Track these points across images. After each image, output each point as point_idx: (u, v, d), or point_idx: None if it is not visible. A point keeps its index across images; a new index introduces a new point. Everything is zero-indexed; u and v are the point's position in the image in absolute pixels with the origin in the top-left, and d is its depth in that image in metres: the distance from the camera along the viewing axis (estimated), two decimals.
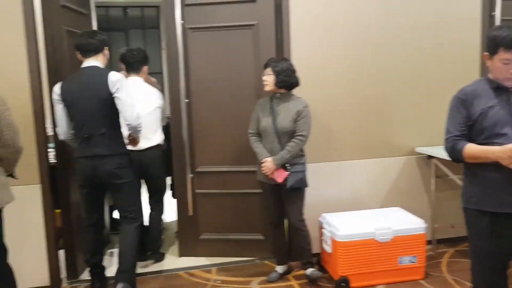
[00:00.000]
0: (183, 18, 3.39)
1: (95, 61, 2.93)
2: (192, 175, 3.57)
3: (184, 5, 3.40)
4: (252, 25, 3.39)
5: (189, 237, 3.69)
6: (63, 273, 3.32)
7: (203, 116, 3.53)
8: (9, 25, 2.95)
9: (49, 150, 3.18)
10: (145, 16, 8.52)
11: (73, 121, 2.94)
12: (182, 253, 3.73)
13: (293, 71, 3.01)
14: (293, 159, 2.99)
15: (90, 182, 2.96)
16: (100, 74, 2.88)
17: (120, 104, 2.88)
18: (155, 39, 8.48)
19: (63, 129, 2.98)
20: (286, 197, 3.07)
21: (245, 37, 3.41)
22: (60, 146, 3.24)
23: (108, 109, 2.88)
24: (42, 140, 3.08)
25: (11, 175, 2.54)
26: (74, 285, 3.29)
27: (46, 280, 3.17)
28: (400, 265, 3.14)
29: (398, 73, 3.56)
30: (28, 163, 2.96)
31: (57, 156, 3.26)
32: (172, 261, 3.67)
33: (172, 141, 3.58)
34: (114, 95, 2.86)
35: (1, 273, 2.50)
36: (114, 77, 2.85)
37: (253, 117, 3.13)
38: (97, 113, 2.88)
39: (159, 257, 3.72)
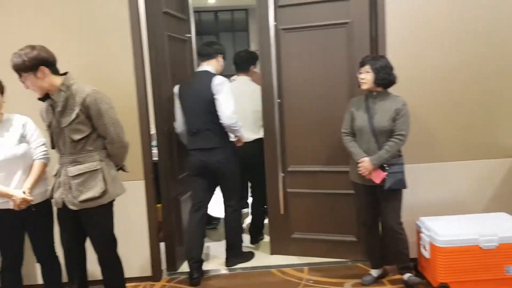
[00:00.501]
0: (276, 19, 3.44)
1: (208, 66, 3.43)
2: (283, 174, 3.60)
3: (277, 7, 3.44)
4: (346, 23, 3.34)
5: (281, 236, 3.72)
6: (163, 265, 3.51)
7: (295, 116, 3.54)
8: (117, 31, 3.18)
9: (152, 148, 3.39)
10: (234, 19, 8.76)
11: (185, 117, 3.42)
12: (273, 251, 3.77)
13: (391, 68, 2.92)
14: (391, 159, 2.90)
15: (200, 171, 3.41)
16: (207, 78, 3.33)
17: (217, 105, 3.26)
18: (243, 41, 8.69)
19: (179, 124, 3.49)
20: (383, 199, 2.99)
21: (338, 35, 3.37)
22: (163, 145, 3.44)
23: (212, 108, 3.27)
24: (146, 139, 3.29)
25: (121, 168, 2.75)
26: (173, 276, 3.47)
27: (148, 271, 3.38)
28: (507, 274, 2.92)
29: (507, 70, 3.30)
30: (133, 160, 3.17)
31: (160, 154, 3.46)
32: (264, 258, 3.73)
33: (264, 141, 3.64)
34: (214, 96, 3.25)
35: (111, 262, 2.71)
36: (217, 80, 3.29)
37: (346, 116, 3.08)
38: (202, 111, 3.33)
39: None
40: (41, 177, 2.72)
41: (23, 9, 3.15)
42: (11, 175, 2.65)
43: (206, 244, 4.03)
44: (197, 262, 3.37)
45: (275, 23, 3.44)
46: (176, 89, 3.47)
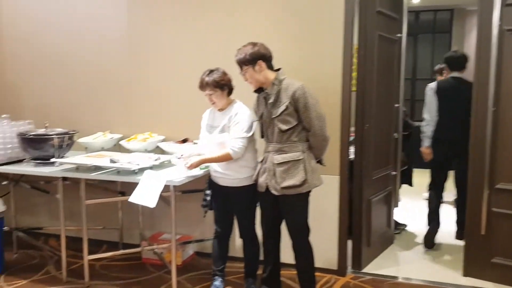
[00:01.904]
0: (501, 19, 3.11)
1: (459, 74, 3.99)
2: (489, 191, 3.26)
3: (504, 5, 3.11)
4: None
5: (478, 258, 3.38)
6: (349, 262, 3.55)
7: None
8: (330, 30, 3.28)
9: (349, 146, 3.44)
10: (437, 19, 8.23)
11: (440, 111, 3.91)
12: (467, 273, 3.46)
13: None
14: None
15: (448, 160, 4.01)
16: (467, 85, 3.68)
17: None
18: (444, 43, 8.11)
19: (432, 116, 3.93)
20: None
21: None
22: (360, 144, 3.46)
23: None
24: (345, 136, 3.34)
25: (319, 161, 2.87)
26: (357, 275, 3.47)
27: (334, 265, 3.45)
28: None
29: None
30: (330, 155, 3.24)
31: (356, 152, 3.48)
32: (455, 277, 3.46)
33: (469, 154, 3.35)
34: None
35: (303, 249, 2.86)
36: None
37: None
38: (461, 112, 3.71)
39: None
40: (216, 162, 2.90)
41: (247, 11, 3.50)
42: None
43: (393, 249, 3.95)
44: None
45: (500, 23, 3.12)
46: (433, 85, 4.00)
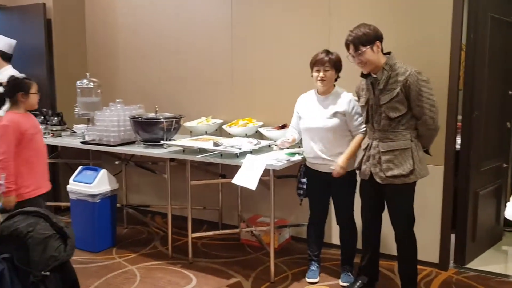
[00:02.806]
0: None
1: None
2: None
3: None
4: None
5: None
6: (451, 257, 3.39)
7: None
8: (438, 13, 3.12)
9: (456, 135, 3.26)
10: None
11: None
12: None
13: None
14: None
15: None
16: None
17: None
18: None
19: None
20: None
21: None
22: (467, 133, 3.27)
23: None
24: (452, 125, 3.17)
25: (426, 151, 2.75)
26: (460, 270, 3.31)
27: (435, 258, 3.32)
28: None
29: None
30: (435, 144, 3.09)
31: (463, 142, 3.30)
32: None
33: None
34: None
35: (407, 240, 2.77)
36: None
37: None
38: None
39: None
40: (357, 149, 2.92)
41: None
42: (315, 143, 2.96)
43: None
44: None
45: None
46: None
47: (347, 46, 2.66)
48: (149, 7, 4.35)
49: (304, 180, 3.11)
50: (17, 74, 3.14)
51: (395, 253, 2.87)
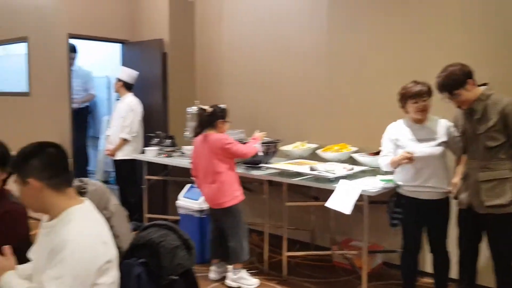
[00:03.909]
0: None
1: None
2: None
3: None
4: None
5: None
6: None
7: None
8: None
9: None
10: None
11: None
12: None
13: None
14: None
15: None
16: None
17: None
18: None
19: None
20: None
21: None
22: None
23: None
24: None
25: None
26: None
27: None
28: None
29: None
30: None
31: None
32: None
33: None
34: None
35: (508, 271, 2.72)
36: None
37: None
38: None
39: None
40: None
41: (447, 19, 3.48)
42: (419, 170, 2.96)
43: None
44: None
45: None
46: None
47: (439, 90, 2.74)
48: (251, 39, 4.72)
49: (399, 209, 3.15)
50: (221, 105, 3.63)
51: (492, 285, 2.83)
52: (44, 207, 1.73)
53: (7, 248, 1.81)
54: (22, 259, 1.86)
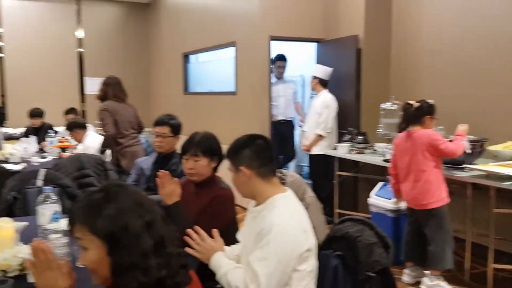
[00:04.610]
0: None
1: None
2: None
3: None
4: None
5: None
6: None
7: None
8: None
9: None
10: None
11: None
12: None
13: None
14: None
15: None
16: None
17: None
18: None
19: None
20: None
21: None
22: None
23: None
24: None
25: None
26: None
27: None
28: None
29: None
30: None
31: None
32: None
33: None
34: None
35: None
36: None
37: None
38: None
39: None
40: None
41: None
42: None
43: None
44: None
45: None
46: None
47: None
48: (454, 28, 4.35)
49: None
50: (428, 100, 3.49)
51: None
52: (252, 193, 1.88)
53: (215, 231, 1.99)
54: (229, 240, 2.04)
